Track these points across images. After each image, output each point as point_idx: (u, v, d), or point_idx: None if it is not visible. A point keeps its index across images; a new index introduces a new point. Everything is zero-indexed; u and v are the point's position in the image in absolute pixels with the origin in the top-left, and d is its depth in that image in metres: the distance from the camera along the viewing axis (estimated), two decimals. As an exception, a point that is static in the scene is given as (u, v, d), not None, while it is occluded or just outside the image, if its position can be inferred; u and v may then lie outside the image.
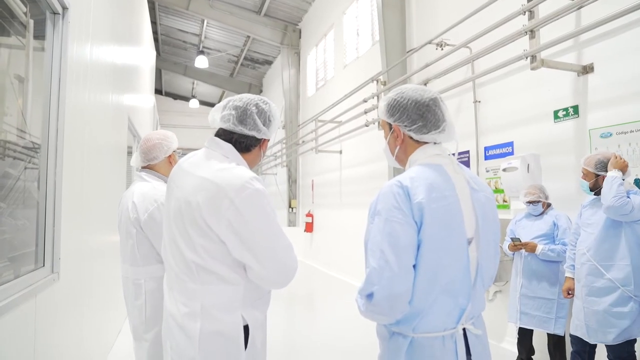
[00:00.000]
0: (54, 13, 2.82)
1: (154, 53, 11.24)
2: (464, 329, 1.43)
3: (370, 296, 1.36)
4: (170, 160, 2.60)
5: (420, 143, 1.54)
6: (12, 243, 2.82)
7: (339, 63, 10.14)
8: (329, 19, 10.67)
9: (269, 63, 16.49)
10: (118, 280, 4.95)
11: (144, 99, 8.68)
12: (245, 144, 1.76)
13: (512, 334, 4.33)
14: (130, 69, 6.27)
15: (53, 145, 2.82)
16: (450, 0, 5.77)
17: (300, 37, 13.08)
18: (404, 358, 1.39)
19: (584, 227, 3.24)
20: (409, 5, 6.85)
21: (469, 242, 1.43)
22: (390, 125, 1.60)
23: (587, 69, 3.87)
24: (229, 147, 1.74)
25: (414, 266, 1.36)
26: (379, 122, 7.15)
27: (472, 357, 1.43)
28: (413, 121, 1.53)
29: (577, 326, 3.21)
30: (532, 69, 3.82)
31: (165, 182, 2.34)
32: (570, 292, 3.38)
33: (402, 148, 1.59)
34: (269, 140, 1.84)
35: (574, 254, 3.32)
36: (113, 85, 4.70)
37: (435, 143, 1.54)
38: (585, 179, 3.24)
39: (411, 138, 1.55)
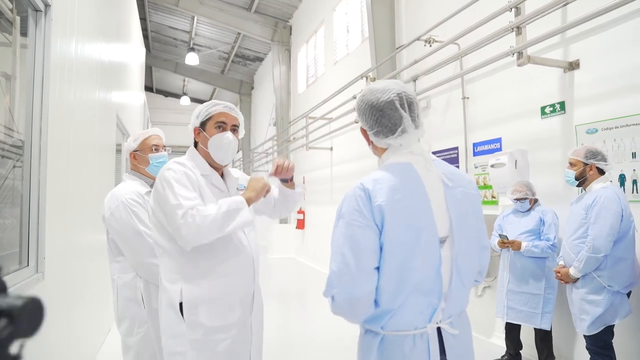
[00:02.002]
0: (36, 10, 2.78)
1: (144, 50, 11.15)
2: (438, 328, 1.41)
3: (332, 298, 1.37)
4: (136, 157, 2.60)
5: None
6: (8, 243, 2.80)
7: (329, 60, 10.12)
8: (319, 16, 10.64)
9: (260, 60, 16.43)
10: (107, 279, 4.92)
11: (133, 96, 8.62)
12: (194, 142, 2.12)
13: (500, 329, 4.36)
14: (119, 66, 6.22)
15: (37, 143, 2.79)
16: (439, -4, 5.78)
17: (290, 34, 13.04)
18: (375, 355, 1.38)
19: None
20: (398, 2, 6.85)
21: (442, 241, 1.40)
22: None
23: (573, 65, 3.89)
24: (190, 148, 2.13)
25: (379, 268, 1.35)
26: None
27: (447, 357, 1.41)
28: (371, 126, 1.50)
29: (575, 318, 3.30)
30: (519, 65, 3.83)
31: (143, 181, 2.57)
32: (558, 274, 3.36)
33: (374, 149, 1.59)
34: (198, 127, 2.06)
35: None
36: (100, 82, 4.66)
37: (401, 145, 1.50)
38: (571, 169, 3.26)
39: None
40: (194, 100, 20.82)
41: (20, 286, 2.45)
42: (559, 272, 3.29)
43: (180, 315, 1.86)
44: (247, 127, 19.00)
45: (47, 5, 2.81)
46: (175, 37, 15.50)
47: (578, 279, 3.15)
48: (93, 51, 4.30)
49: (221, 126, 2.04)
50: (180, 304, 1.86)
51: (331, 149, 9.75)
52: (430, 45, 5.29)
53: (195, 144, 2.10)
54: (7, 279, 2.28)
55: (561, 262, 3.37)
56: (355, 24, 8.78)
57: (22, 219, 2.77)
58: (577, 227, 3.18)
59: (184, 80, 19.58)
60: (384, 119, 1.46)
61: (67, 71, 3.31)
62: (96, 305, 4.42)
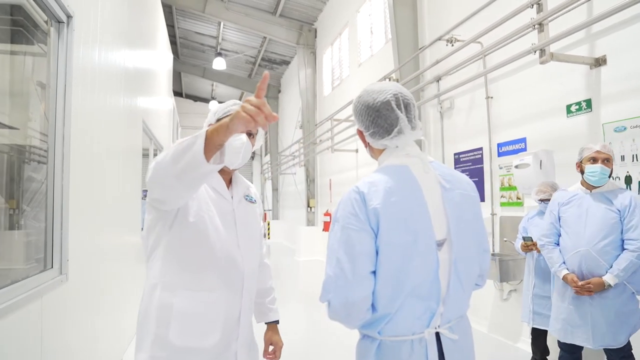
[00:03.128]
0: (59, 22, 2.88)
1: (171, 56, 11.39)
2: (437, 333, 1.38)
3: (328, 303, 1.35)
4: None
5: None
6: (37, 245, 2.91)
7: (353, 62, 10.10)
8: (344, 18, 10.64)
9: (287, 63, 16.55)
10: (133, 281, 5.04)
11: (161, 101, 8.81)
12: None
13: (527, 334, 4.24)
14: (144, 72, 6.37)
15: (60, 149, 2.88)
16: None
17: (315, 37, 13.08)
18: None
19: None
20: (421, 2, 6.77)
21: (440, 244, 1.37)
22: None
23: (599, 62, 3.75)
24: None
25: (375, 272, 1.32)
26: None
27: None
28: (367, 127, 1.48)
29: (573, 333, 3.00)
30: (541, 63, 3.72)
31: None
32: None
33: (371, 151, 1.57)
34: (212, 124, 1.81)
35: None
36: (124, 88, 4.78)
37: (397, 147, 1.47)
38: (607, 166, 2.97)
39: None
40: (222, 104, 21.11)
41: (43, 288, 2.53)
42: (590, 283, 2.88)
43: (149, 326, 1.68)
44: (275, 130, 19.17)
45: (69, 17, 2.90)
46: (202, 42, 15.79)
47: (610, 287, 2.87)
48: (117, 58, 4.41)
49: None
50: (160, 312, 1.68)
51: (356, 150, 9.72)
52: (452, 45, 5.21)
53: None
54: (31, 280, 2.38)
55: (565, 271, 3.02)
56: (378, 26, 8.73)
57: (47, 222, 2.86)
58: (607, 230, 2.90)
59: (212, 85, 19.91)
60: (380, 119, 1.44)
61: (89, 78, 3.41)
62: (122, 307, 4.53)
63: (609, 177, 3.02)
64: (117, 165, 4.51)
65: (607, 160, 2.98)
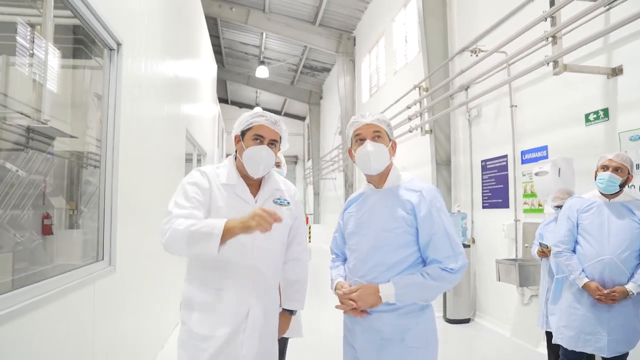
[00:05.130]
0: (110, 49, 3.32)
1: (215, 65, 12.00)
2: None
3: (462, 268, 1.92)
4: None
5: None
6: (92, 243, 3.35)
7: (389, 70, 10.31)
8: (380, 26, 10.87)
9: (328, 70, 16.92)
10: (175, 276, 5.46)
11: (204, 108, 9.36)
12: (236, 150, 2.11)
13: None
14: (188, 82, 6.86)
15: (110, 155, 3.32)
16: (490, 5, 5.81)
17: (354, 45, 13.36)
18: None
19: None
20: (451, 12, 6.93)
21: None
22: (389, 139, 2.04)
23: (616, 71, 3.84)
24: (230, 155, 2.18)
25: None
26: (422, 128, 7.28)
27: None
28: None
29: (586, 341, 2.97)
30: (555, 74, 3.86)
31: None
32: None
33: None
34: (239, 134, 2.05)
35: None
36: (168, 97, 5.24)
37: None
38: (617, 175, 2.99)
39: None
40: (266, 110, 21.70)
41: (96, 275, 2.96)
42: (615, 292, 2.88)
43: (182, 313, 2.00)
44: (317, 136, 19.58)
45: (119, 45, 3.34)
46: (246, 51, 16.42)
47: (632, 296, 2.89)
48: (161, 70, 4.87)
49: (258, 139, 1.98)
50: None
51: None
52: (477, 55, 5.36)
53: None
54: (85, 269, 2.81)
55: (585, 279, 2.98)
56: (413, 35, 8.91)
57: (99, 220, 3.30)
58: (631, 240, 2.93)
59: (257, 92, 20.57)
60: None
61: (136, 90, 3.85)
62: (164, 300, 4.97)
63: (623, 186, 3.03)
64: (162, 170, 4.97)
65: (619, 169, 3.00)
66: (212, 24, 13.67)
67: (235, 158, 2.08)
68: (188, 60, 6.84)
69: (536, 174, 4.50)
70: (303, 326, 2.84)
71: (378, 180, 2.05)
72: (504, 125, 5.46)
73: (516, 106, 5.23)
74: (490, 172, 5.73)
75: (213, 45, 11.82)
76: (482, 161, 5.98)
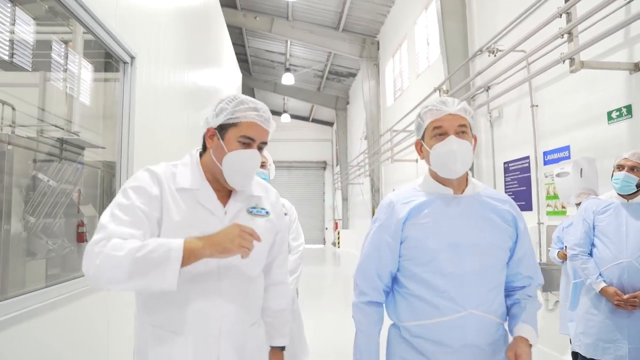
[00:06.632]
0: (124, 62, 3.44)
1: (240, 73, 12.21)
2: None
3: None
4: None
5: None
6: None
7: (412, 73, 10.24)
8: (402, 30, 10.82)
9: (353, 75, 16.94)
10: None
11: (228, 117, 9.53)
12: (203, 143, 1.57)
13: (572, 345, 4.18)
14: (209, 90, 7.01)
15: (125, 162, 3.42)
16: (512, 2, 5.70)
17: (378, 49, 13.34)
18: None
19: None
20: (470, 12, 6.83)
21: None
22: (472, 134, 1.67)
23: (638, 67, 3.69)
24: (193, 151, 1.61)
25: None
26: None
27: None
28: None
29: (605, 349, 2.81)
30: (572, 72, 3.74)
31: None
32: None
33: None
34: (215, 128, 1.50)
35: None
36: (187, 107, 5.36)
37: None
38: (633, 174, 2.86)
39: None
40: (294, 117, 21.96)
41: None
42: (636, 297, 2.72)
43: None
44: (344, 141, 19.60)
45: (132, 58, 3.45)
46: (272, 59, 16.64)
47: None
48: (178, 79, 4.99)
49: (247, 142, 1.48)
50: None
51: (417, 160, 9.80)
52: (495, 55, 5.27)
53: (205, 147, 1.56)
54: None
55: (603, 284, 2.84)
56: (434, 37, 8.82)
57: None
58: None
59: (284, 99, 20.78)
60: None
61: (151, 100, 3.95)
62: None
63: (639, 186, 2.87)
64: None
65: (635, 169, 2.87)
66: (238, 33, 13.93)
67: (201, 155, 1.57)
68: (208, 69, 6.99)
69: (557, 175, 4.36)
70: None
71: (458, 184, 1.67)
72: (525, 126, 5.33)
73: (537, 106, 5.09)
74: (513, 174, 5.60)
75: (239, 54, 12.05)
76: (504, 163, 5.85)
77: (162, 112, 4.31)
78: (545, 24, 4.06)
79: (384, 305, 1.74)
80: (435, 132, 1.62)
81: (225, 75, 8.92)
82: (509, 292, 1.72)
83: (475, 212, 1.64)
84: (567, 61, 3.82)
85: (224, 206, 1.53)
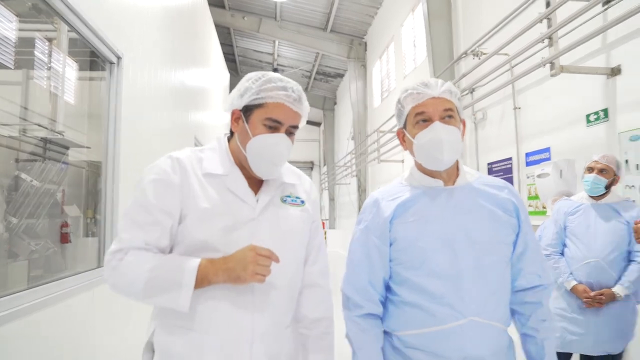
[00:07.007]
0: (110, 63, 3.43)
1: (227, 73, 12.20)
2: None
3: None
4: None
5: None
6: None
7: (399, 74, 10.33)
8: (390, 31, 10.91)
9: (341, 76, 17.00)
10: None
11: (215, 116, 9.51)
12: (230, 129, 1.45)
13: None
14: (196, 90, 7.01)
15: (111, 162, 3.42)
16: (496, 5, 5.79)
17: (365, 50, 13.41)
18: None
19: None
20: (456, 15, 6.93)
21: None
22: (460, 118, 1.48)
23: (614, 71, 3.80)
24: (220, 135, 1.51)
25: None
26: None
27: None
28: None
29: (571, 341, 2.97)
30: (552, 75, 3.84)
31: None
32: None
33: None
34: (240, 109, 1.37)
35: None
36: (174, 106, 5.36)
37: None
38: (602, 176, 3.00)
39: None
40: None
41: (95, 281, 3.05)
42: (602, 294, 2.86)
43: None
44: (331, 141, 19.65)
45: (119, 58, 3.45)
46: (260, 59, 16.63)
47: (620, 298, 2.88)
48: (165, 79, 4.98)
49: (274, 125, 1.34)
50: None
51: (402, 161, 9.89)
52: (479, 58, 5.35)
53: (232, 132, 1.44)
54: (83, 275, 2.90)
55: (574, 282, 2.96)
56: (421, 39, 8.91)
57: (100, 226, 3.41)
58: (617, 242, 2.92)
59: (272, 99, 20.75)
60: None
61: (138, 100, 3.95)
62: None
63: (609, 187, 3.03)
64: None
65: (604, 171, 3.00)
66: (226, 33, 13.91)
67: (229, 140, 1.46)
68: (195, 69, 6.98)
69: (538, 176, 4.45)
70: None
71: (448, 175, 1.49)
72: (508, 128, 5.43)
73: (520, 108, 5.19)
74: (497, 174, 5.69)
75: (227, 53, 12.03)
76: (488, 164, 5.95)
77: (148, 111, 4.32)
78: (527, 29, 4.15)
79: (381, 319, 1.49)
80: (418, 118, 1.44)
81: (212, 75, 8.91)
82: (515, 294, 1.51)
83: (471, 203, 1.45)
84: (548, 65, 3.90)
85: (256, 194, 1.40)
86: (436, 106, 1.41)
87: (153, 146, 4.53)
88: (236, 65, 16.94)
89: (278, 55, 15.90)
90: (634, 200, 3.21)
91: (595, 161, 3.06)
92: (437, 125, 1.40)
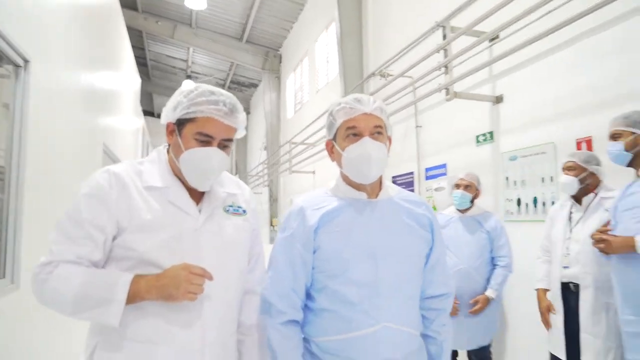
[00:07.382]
0: (17, 66, 3.28)
1: (138, 78, 11.79)
2: None
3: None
4: None
5: None
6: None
7: (312, 88, 10.70)
8: (304, 46, 11.27)
9: (255, 86, 17.10)
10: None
11: (125, 121, 9.17)
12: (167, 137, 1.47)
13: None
14: (105, 94, 6.75)
15: (15, 166, 3.26)
16: (400, 33, 6.31)
17: (280, 62, 13.68)
18: None
19: None
20: (366, 36, 7.41)
21: None
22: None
23: (498, 99, 4.36)
24: (159, 147, 1.54)
25: None
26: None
27: None
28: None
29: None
30: (447, 100, 4.32)
31: None
32: None
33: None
34: (173, 123, 1.41)
35: None
36: (82, 111, 5.16)
37: None
38: (469, 192, 3.55)
39: None
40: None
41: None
42: (478, 301, 3.38)
43: None
44: (243, 151, 19.60)
45: (26, 62, 3.31)
46: (173, 65, 16.24)
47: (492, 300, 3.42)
48: (75, 83, 4.79)
49: (205, 140, 1.37)
50: None
51: (314, 172, 10.22)
52: (386, 79, 5.81)
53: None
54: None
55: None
56: (334, 55, 9.35)
57: (1, 235, 3.22)
58: (481, 250, 3.47)
59: (183, 106, 20.26)
60: None
61: (45, 104, 3.79)
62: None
63: (472, 201, 3.57)
64: (75, 184, 4.86)
65: (468, 187, 3.57)
66: (137, 36, 13.44)
67: (168, 151, 1.47)
68: (106, 72, 6.74)
69: (435, 190, 4.95)
70: None
71: (372, 188, 1.59)
72: (410, 144, 5.92)
73: (421, 127, 5.70)
74: (400, 187, 6.16)
75: (138, 57, 11.63)
76: (392, 177, 6.42)
77: (57, 115, 4.15)
78: (427, 56, 4.62)
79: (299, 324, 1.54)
80: (349, 132, 1.51)
81: (123, 79, 8.61)
82: (423, 301, 1.63)
83: (391, 217, 1.55)
84: (444, 90, 4.37)
85: (198, 205, 1.43)
86: (367, 122, 1.49)
87: (63, 149, 4.36)
88: (148, 70, 16.38)
89: (192, 62, 15.64)
90: (490, 212, 3.76)
91: (461, 178, 3.60)
92: (366, 140, 1.48)
